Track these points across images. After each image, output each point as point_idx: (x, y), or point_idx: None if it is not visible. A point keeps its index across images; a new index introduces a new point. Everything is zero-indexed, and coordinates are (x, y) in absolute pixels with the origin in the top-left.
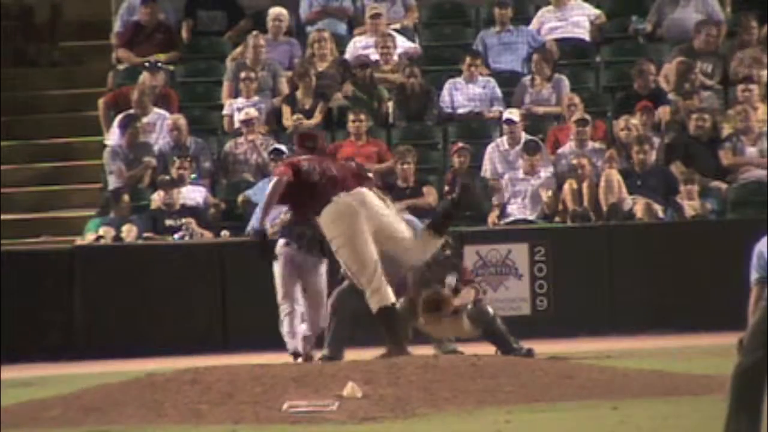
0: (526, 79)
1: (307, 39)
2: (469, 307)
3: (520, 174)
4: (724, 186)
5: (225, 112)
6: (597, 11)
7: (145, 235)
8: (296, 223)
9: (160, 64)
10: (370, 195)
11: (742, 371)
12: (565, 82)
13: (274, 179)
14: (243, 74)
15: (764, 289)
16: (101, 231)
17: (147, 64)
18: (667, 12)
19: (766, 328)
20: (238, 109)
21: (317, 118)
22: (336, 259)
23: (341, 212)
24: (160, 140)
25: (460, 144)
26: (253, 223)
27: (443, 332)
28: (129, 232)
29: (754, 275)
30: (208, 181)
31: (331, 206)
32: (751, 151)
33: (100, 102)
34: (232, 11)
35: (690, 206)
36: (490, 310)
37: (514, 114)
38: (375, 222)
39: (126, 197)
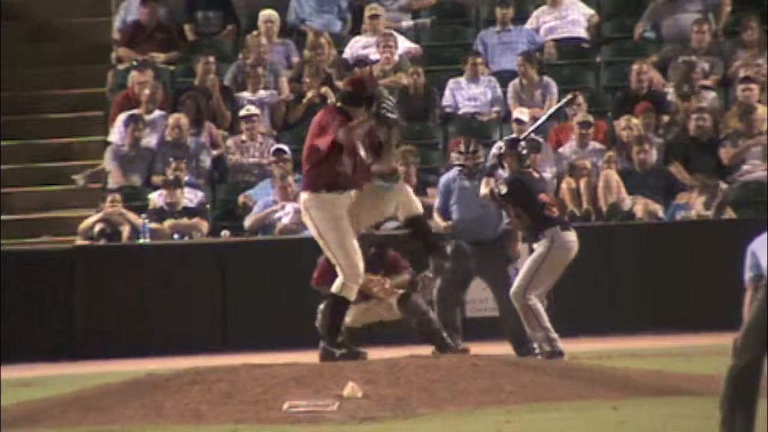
0: (515, 82)
1: (303, 39)
2: (402, 298)
3: None
4: (724, 186)
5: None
6: (591, 11)
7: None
8: None
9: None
10: None
11: (737, 372)
12: (553, 86)
13: None
14: (244, 74)
15: (759, 288)
16: (92, 221)
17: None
18: (666, 11)
19: (759, 328)
20: (242, 105)
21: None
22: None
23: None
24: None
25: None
26: None
27: (368, 319)
28: (125, 231)
29: (748, 274)
30: (208, 181)
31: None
32: (752, 150)
33: (114, 100)
34: (229, 11)
35: (698, 211)
36: (423, 304)
37: (524, 114)
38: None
39: (118, 196)
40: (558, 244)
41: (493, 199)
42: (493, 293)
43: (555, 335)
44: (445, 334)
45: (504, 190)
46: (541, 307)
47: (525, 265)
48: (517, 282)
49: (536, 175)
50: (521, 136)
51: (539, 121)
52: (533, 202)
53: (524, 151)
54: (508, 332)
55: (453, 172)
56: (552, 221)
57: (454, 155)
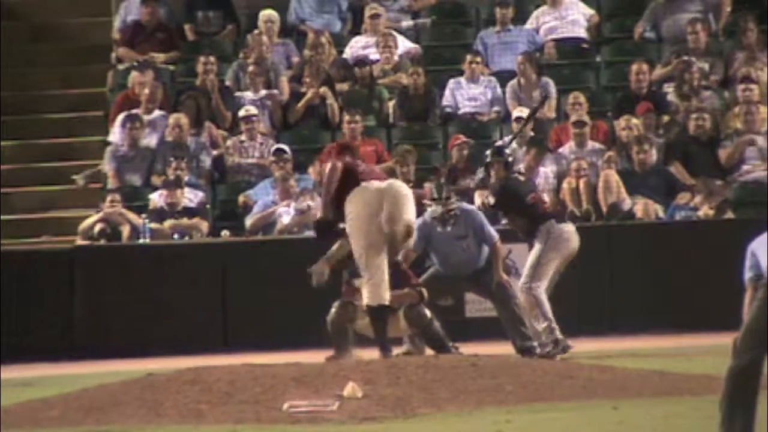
0: (514, 82)
1: (303, 39)
2: (407, 308)
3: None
4: (722, 185)
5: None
6: (591, 11)
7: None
8: None
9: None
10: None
11: (736, 372)
12: (552, 86)
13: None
14: (245, 74)
15: (759, 288)
16: (92, 221)
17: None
18: (666, 12)
19: (759, 328)
20: (243, 105)
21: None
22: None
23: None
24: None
25: (463, 138)
26: None
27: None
28: (125, 231)
29: (747, 274)
30: (208, 181)
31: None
32: (751, 150)
33: (114, 100)
34: (229, 11)
35: (704, 213)
36: (428, 313)
37: (524, 113)
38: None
39: (118, 197)
40: (554, 235)
41: (486, 210)
42: (490, 300)
43: (556, 326)
44: (449, 342)
45: (492, 200)
46: (546, 300)
47: (527, 261)
48: (522, 276)
49: (522, 178)
50: (505, 142)
51: (517, 132)
52: (523, 204)
53: (510, 158)
54: (511, 334)
55: (428, 217)
56: (546, 216)
57: (427, 201)
